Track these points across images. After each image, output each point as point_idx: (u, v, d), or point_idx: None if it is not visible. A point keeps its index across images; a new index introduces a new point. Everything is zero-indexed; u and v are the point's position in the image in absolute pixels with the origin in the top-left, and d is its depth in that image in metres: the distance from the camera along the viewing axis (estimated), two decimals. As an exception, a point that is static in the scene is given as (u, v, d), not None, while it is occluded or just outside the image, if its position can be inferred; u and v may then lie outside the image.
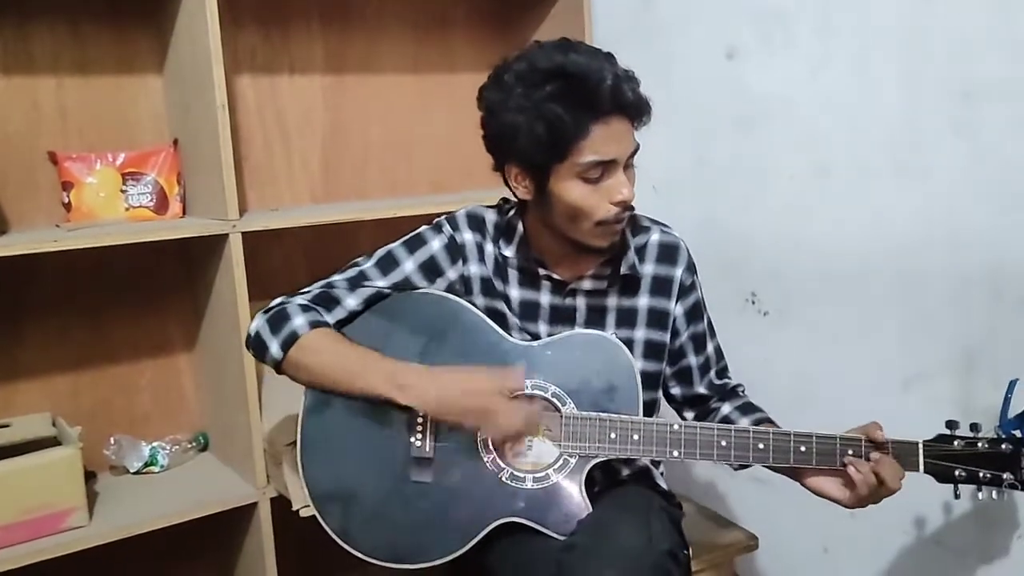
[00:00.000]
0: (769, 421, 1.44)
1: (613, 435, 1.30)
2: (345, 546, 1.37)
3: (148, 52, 1.92)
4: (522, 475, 1.32)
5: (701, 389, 1.48)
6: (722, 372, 1.51)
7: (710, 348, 1.49)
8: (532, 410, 1.31)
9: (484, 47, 2.35)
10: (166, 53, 1.90)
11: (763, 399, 1.52)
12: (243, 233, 1.73)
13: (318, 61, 2.16)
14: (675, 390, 1.50)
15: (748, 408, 1.47)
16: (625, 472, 1.45)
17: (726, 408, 1.47)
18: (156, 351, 2.02)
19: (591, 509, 1.29)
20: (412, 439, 1.35)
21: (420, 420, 1.35)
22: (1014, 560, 1.60)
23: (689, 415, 1.51)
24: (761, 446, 1.28)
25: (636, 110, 1.27)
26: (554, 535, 1.28)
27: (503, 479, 1.32)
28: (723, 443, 1.28)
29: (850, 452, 1.26)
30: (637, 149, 1.30)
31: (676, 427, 1.29)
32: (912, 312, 1.70)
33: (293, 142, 2.15)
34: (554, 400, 1.34)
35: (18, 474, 1.60)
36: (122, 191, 1.86)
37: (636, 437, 1.29)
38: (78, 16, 1.85)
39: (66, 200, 1.83)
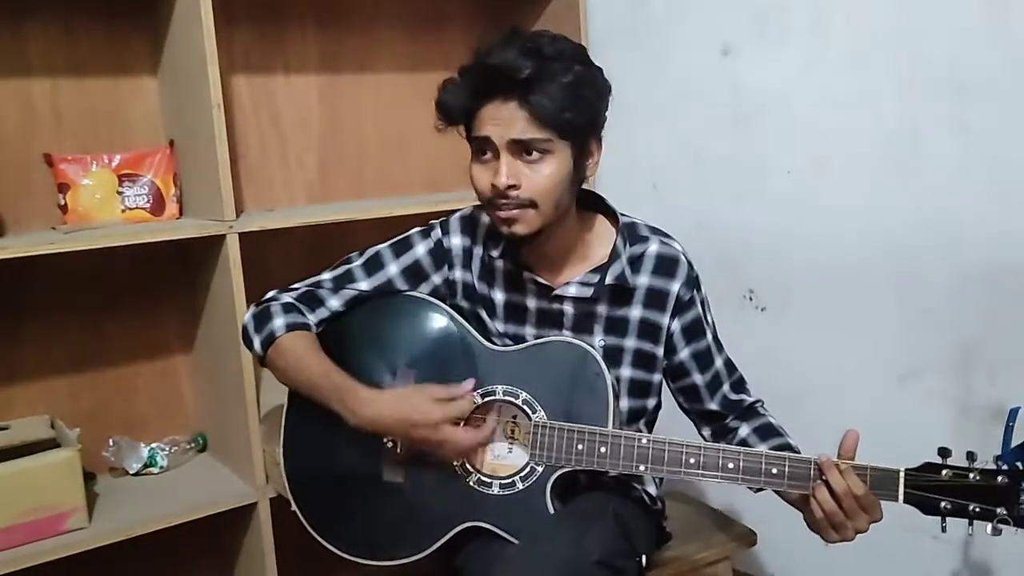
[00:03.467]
0: (789, 448, 1.38)
1: (580, 446, 1.28)
2: (321, 541, 1.39)
3: (143, 53, 1.92)
4: (489, 481, 1.32)
5: (714, 406, 1.45)
6: (737, 386, 1.46)
7: (718, 363, 1.44)
8: (478, 436, 1.30)
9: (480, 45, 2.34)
10: (161, 54, 1.89)
11: (760, 395, 1.51)
12: (240, 233, 1.74)
13: (313, 60, 2.15)
14: (686, 405, 1.48)
15: (767, 432, 1.42)
16: (611, 473, 1.43)
17: (744, 430, 1.43)
18: (154, 352, 2.02)
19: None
20: (385, 439, 1.36)
21: None
22: (1010, 554, 1.61)
23: (706, 431, 1.48)
24: (731, 465, 1.24)
25: (518, 91, 1.23)
26: (515, 541, 1.28)
27: (471, 484, 1.32)
28: (691, 460, 1.25)
29: (823, 477, 1.20)
30: (531, 140, 1.24)
31: (644, 442, 1.27)
32: (909, 307, 1.70)
33: (289, 142, 2.14)
34: (524, 407, 1.33)
35: (17, 476, 1.60)
36: (118, 192, 1.86)
37: (603, 450, 1.27)
38: (72, 17, 1.85)
39: (62, 202, 1.83)
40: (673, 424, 1.50)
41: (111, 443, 1.89)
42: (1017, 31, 1.49)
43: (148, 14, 1.88)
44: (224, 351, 1.82)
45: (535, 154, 1.25)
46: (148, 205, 1.88)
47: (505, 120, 1.25)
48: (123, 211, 1.87)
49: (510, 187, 1.26)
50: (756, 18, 1.89)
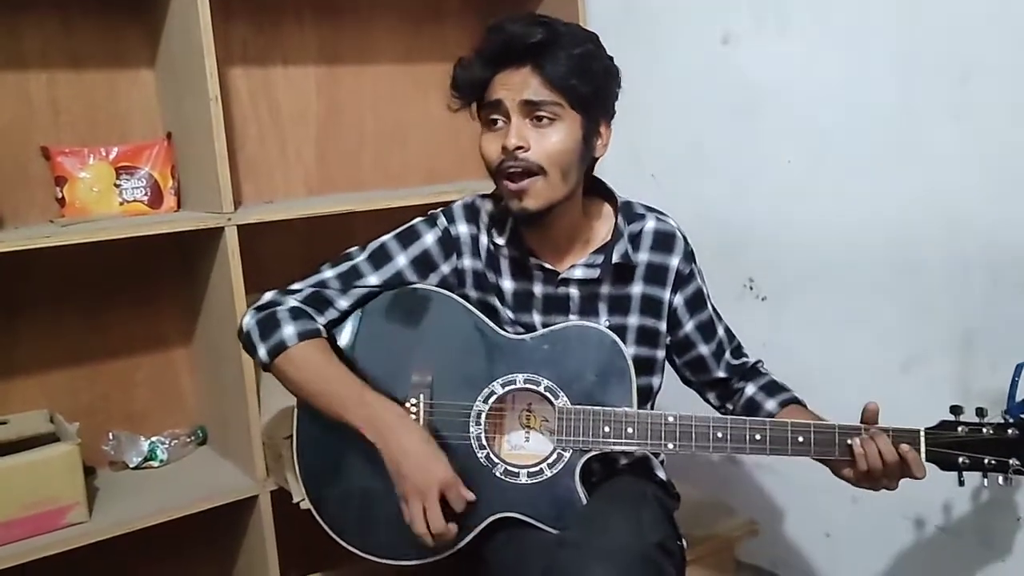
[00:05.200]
0: (796, 400, 1.43)
1: (607, 428, 1.29)
2: (343, 543, 1.37)
3: (139, 45, 1.91)
4: (516, 470, 1.31)
5: (720, 373, 1.47)
6: (737, 351, 1.50)
7: (720, 332, 1.48)
8: (442, 533, 1.25)
9: (478, 36, 2.33)
10: (158, 46, 1.88)
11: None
12: (238, 226, 1.73)
13: (311, 52, 2.14)
14: (692, 378, 1.50)
15: (773, 388, 1.46)
16: (623, 462, 1.45)
17: (750, 389, 1.46)
18: (153, 345, 2.01)
19: (585, 503, 1.29)
20: None
21: (413, 416, 1.34)
22: (1015, 542, 1.61)
23: (711, 395, 1.51)
24: (758, 437, 1.26)
25: (530, 57, 1.26)
26: (548, 529, 1.28)
27: (497, 474, 1.32)
28: (719, 435, 1.27)
29: (848, 441, 1.24)
30: (541, 102, 1.26)
31: (671, 420, 1.28)
32: (910, 296, 1.70)
33: (287, 134, 2.14)
34: (547, 394, 1.33)
35: (17, 470, 1.59)
36: (116, 185, 1.86)
37: (631, 430, 1.28)
38: (69, 10, 1.84)
39: (59, 195, 1.82)
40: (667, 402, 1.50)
41: (111, 437, 1.88)
42: (1017, 17, 1.48)
43: (145, 6, 1.87)
44: (223, 343, 1.82)
45: (545, 120, 1.27)
46: (146, 198, 1.88)
47: (517, 84, 1.27)
48: (121, 204, 1.86)
49: (518, 148, 1.26)
50: (756, 7, 1.89)
